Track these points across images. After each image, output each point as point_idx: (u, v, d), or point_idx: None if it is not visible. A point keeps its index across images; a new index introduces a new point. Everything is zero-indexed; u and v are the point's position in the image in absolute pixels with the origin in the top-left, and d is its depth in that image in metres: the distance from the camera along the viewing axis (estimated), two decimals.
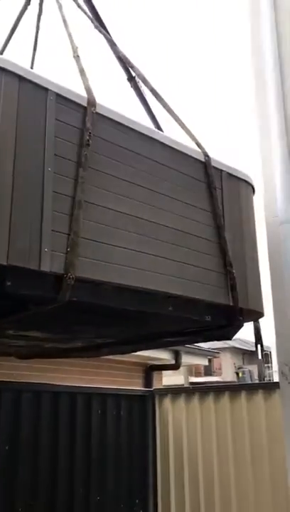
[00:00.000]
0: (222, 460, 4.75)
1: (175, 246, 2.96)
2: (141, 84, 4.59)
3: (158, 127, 4.72)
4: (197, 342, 5.80)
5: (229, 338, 3.55)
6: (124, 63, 4.60)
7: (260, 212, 3.71)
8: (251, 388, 4.85)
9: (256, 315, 3.47)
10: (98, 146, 2.76)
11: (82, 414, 4.66)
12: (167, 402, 5.24)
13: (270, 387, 4.71)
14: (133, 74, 4.68)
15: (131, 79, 4.96)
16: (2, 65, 2.50)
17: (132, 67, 4.02)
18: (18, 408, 4.21)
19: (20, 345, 4.09)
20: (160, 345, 5.29)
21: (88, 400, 4.74)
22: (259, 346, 9.59)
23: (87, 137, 2.70)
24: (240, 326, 3.36)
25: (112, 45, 4.23)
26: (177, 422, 5.14)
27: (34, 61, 4.32)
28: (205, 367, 22.52)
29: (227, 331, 3.41)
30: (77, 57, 3.11)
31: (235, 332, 3.43)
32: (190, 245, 3.05)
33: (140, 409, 5.20)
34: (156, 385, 6.95)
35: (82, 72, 3.01)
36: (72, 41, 3.23)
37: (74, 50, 3.17)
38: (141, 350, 4.57)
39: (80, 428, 4.60)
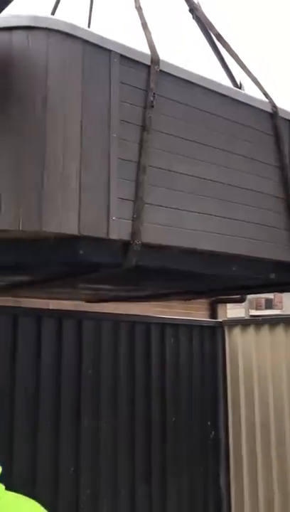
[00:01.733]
0: None
1: (240, 205, 2.95)
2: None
3: (223, 61, 4.50)
4: (259, 293, 5.84)
5: None
6: None
7: None
8: None
9: None
10: (162, 107, 2.72)
11: (156, 342, 4.94)
12: (237, 332, 5.42)
13: None
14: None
15: (193, 10, 4.70)
16: (65, 30, 2.48)
17: (196, 8, 3.79)
18: (99, 336, 4.50)
19: (89, 294, 4.31)
20: (223, 295, 5.39)
21: (162, 329, 5.00)
22: None
23: (151, 98, 2.67)
24: None
25: None
26: (246, 351, 5.34)
27: (91, 19, 4.08)
28: (266, 300, 22.49)
29: None
30: (139, 8, 2.98)
31: None
32: (256, 204, 3.03)
33: (210, 339, 5.47)
34: (220, 317, 7.10)
35: (144, 25, 2.90)
36: None
37: None
38: (205, 298, 4.70)
39: (155, 355, 4.89)
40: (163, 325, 5.02)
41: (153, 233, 2.58)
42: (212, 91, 2.96)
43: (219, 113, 2.96)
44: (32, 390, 3.99)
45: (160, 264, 2.65)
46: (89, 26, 3.96)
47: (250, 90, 3.40)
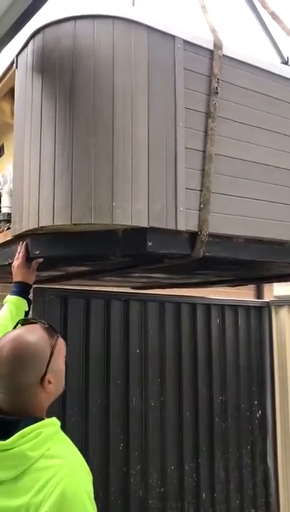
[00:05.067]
0: None
1: None
2: None
3: (271, 38, 4.39)
4: None
5: None
6: None
7: None
8: None
9: None
10: (225, 92, 2.68)
11: (202, 323, 4.97)
12: (284, 312, 5.40)
13: None
14: None
15: None
16: (130, 17, 2.44)
17: None
18: (145, 316, 4.55)
19: (140, 281, 4.34)
20: (276, 282, 5.35)
21: (207, 310, 5.03)
22: None
23: (216, 85, 2.62)
24: None
25: None
26: None
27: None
28: None
29: None
30: None
31: None
32: None
33: (257, 319, 5.47)
34: (267, 295, 7.06)
35: (203, 8, 2.84)
36: None
37: None
38: (256, 284, 4.65)
39: (200, 335, 4.93)
40: (209, 305, 5.04)
41: (220, 223, 2.56)
42: (275, 74, 2.88)
43: (282, 97, 2.89)
44: (82, 371, 4.08)
45: (227, 254, 2.64)
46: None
47: None
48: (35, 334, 1.65)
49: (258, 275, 4.02)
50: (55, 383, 1.65)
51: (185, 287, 4.93)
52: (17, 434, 1.50)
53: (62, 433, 1.63)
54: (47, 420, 1.59)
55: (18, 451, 1.48)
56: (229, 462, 4.94)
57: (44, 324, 1.71)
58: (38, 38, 2.56)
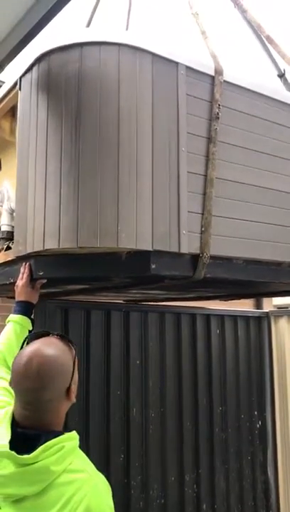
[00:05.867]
0: None
1: None
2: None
3: (269, 53, 4.45)
4: None
5: None
6: None
7: None
8: None
9: None
10: (226, 117, 2.74)
11: (202, 333, 5.01)
12: (283, 322, 5.45)
13: None
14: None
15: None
16: (135, 44, 2.49)
17: (245, 11, 3.69)
18: (145, 327, 4.59)
19: (136, 296, 4.39)
20: (271, 297, 5.41)
21: (207, 320, 5.07)
22: None
23: (217, 110, 2.68)
24: None
25: None
26: None
27: (129, 21, 3.90)
28: None
29: None
30: (195, 15, 2.95)
31: None
32: None
33: (256, 329, 5.51)
34: (266, 305, 7.11)
35: (203, 34, 2.89)
36: None
37: (191, 5, 3.00)
38: (251, 298, 4.69)
39: (200, 346, 4.96)
40: (208, 316, 5.08)
41: (221, 245, 2.62)
42: (274, 99, 2.94)
43: (281, 121, 2.95)
44: (82, 381, 4.11)
45: (227, 275, 2.70)
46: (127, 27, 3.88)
47: None
48: (57, 347, 1.65)
49: (254, 292, 4.08)
50: (74, 392, 1.67)
51: (180, 301, 4.99)
52: (40, 448, 1.51)
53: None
54: (67, 434, 1.61)
55: (41, 465, 1.49)
56: (229, 473, 4.97)
57: (59, 336, 1.71)
58: (44, 62, 2.61)
